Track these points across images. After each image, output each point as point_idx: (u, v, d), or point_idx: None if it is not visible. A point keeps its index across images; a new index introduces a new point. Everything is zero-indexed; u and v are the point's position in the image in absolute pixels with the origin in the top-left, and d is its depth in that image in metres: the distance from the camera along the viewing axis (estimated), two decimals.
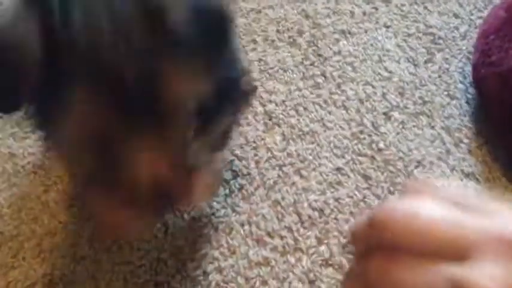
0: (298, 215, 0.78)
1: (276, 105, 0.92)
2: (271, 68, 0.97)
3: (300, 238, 0.76)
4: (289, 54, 0.98)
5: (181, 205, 0.49)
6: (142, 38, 0.40)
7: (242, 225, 0.78)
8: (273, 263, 0.74)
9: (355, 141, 0.86)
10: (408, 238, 0.29)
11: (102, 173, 0.45)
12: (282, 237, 0.76)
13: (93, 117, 0.42)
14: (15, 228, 0.78)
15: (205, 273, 0.74)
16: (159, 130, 0.42)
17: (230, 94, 0.51)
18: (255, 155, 0.86)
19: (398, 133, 0.87)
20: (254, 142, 0.87)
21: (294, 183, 0.82)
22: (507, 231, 0.27)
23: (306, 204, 0.79)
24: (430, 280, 0.27)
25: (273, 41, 1.01)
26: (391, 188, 0.80)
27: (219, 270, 0.74)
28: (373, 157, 0.84)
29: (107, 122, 0.41)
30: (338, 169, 0.83)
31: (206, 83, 0.44)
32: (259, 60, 0.98)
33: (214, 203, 0.80)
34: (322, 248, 0.75)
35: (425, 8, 1.06)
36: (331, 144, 0.86)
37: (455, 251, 0.27)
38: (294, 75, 0.95)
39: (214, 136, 0.50)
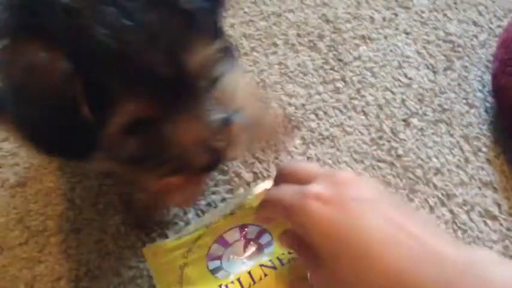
0: None
1: (296, 108, 0.93)
2: (292, 72, 0.98)
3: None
4: (309, 58, 1.00)
5: (227, 158, 0.55)
6: (162, 25, 0.45)
7: None
8: None
9: (375, 147, 0.87)
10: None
11: (152, 154, 0.50)
12: None
13: (137, 108, 0.46)
14: (41, 224, 0.79)
15: None
16: (192, 100, 0.49)
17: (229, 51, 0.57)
18: (276, 157, 0.87)
19: (417, 140, 0.88)
20: (275, 145, 0.89)
21: None
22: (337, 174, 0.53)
23: None
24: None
25: (293, 44, 1.02)
26: (411, 195, 0.82)
27: None
28: (392, 163, 0.85)
29: (149, 109, 0.47)
30: (357, 174, 0.84)
31: (219, 47, 0.50)
32: (280, 63, 0.99)
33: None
34: None
35: (445, 15, 1.07)
36: (351, 149, 0.87)
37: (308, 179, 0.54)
38: (314, 79, 0.97)
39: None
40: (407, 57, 1.00)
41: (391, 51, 1.01)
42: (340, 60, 0.99)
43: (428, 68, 0.98)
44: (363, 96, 0.94)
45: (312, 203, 0.49)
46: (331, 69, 0.98)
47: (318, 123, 0.91)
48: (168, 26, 0.45)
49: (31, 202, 0.82)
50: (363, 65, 0.98)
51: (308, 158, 0.87)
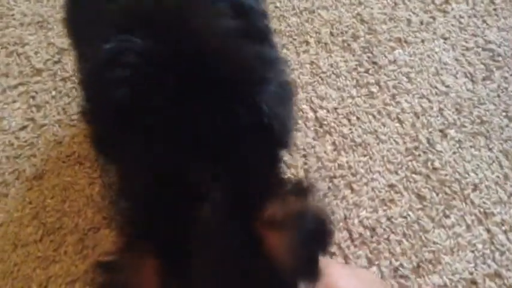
0: (349, 231, 0.76)
1: (328, 112, 0.88)
2: (324, 73, 0.93)
3: (350, 256, 0.74)
4: (342, 59, 0.95)
5: None
6: None
7: None
8: None
9: (410, 158, 0.83)
10: None
11: None
12: (331, 254, 0.74)
13: None
14: (57, 221, 0.75)
15: None
16: None
17: None
18: (305, 163, 0.83)
19: (454, 152, 0.84)
20: (304, 149, 0.84)
21: (344, 197, 0.79)
22: None
23: (356, 221, 0.77)
24: None
25: (326, 43, 0.97)
26: (447, 211, 0.77)
27: None
28: (428, 176, 0.81)
29: None
30: (391, 186, 0.80)
31: None
32: (311, 63, 0.94)
33: None
34: (373, 269, 0.72)
35: (484, 21, 1.02)
36: (385, 159, 0.83)
37: None
38: (347, 82, 0.92)
39: None
40: (445, 63, 0.95)
41: (428, 56, 0.96)
42: (374, 63, 0.94)
43: (466, 76, 0.94)
44: (398, 102, 0.89)
45: None
46: (365, 72, 0.93)
47: (351, 129, 0.86)
48: None
49: (48, 197, 0.77)
50: (399, 70, 0.94)
51: (339, 165, 0.82)
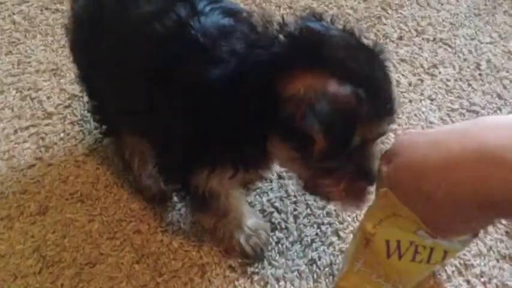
0: (335, 277, 0.79)
1: None
2: None
3: None
4: None
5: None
6: None
7: (277, 280, 0.78)
8: None
9: None
10: None
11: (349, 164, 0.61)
12: None
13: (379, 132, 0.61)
14: (57, 255, 0.79)
15: None
16: None
17: None
18: (294, 209, 0.87)
19: None
20: (295, 196, 0.89)
21: (331, 244, 0.83)
22: None
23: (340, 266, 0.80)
24: None
25: None
26: None
27: None
28: None
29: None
30: None
31: None
32: None
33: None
34: None
35: (470, 85, 1.09)
36: None
37: None
38: None
39: None
40: (431, 122, 1.01)
41: (415, 115, 1.03)
42: None
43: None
44: None
45: None
46: None
47: None
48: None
49: (49, 232, 0.82)
50: None
51: (327, 213, 0.86)
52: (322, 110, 0.54)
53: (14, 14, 1.20)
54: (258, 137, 0.61)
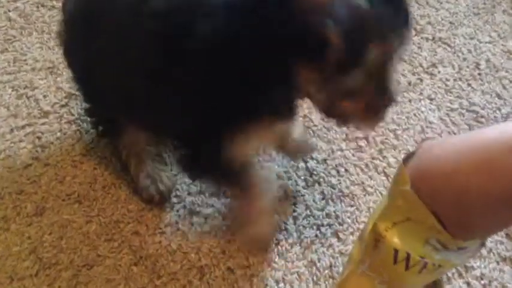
0: (334, 280, 0.78)
1: (318, 162, 0.93)
2: (315, 126, 0.99)
3: None
4: None
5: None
6: None
7: (277, 282, 0.78)
8: None
9: None
10: None
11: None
12: None
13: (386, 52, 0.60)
14: (54, 256, 0.78)
15: None
16: None
17: None
18: (294, 210, 0.87)
19: None
20: (294, 197, 0.88)
21: (331, 245, 0.82)
22: None
23: (342, 269, 0.79)
24: None
25: None
26: None
27: None
28: None
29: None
30: None
31: None
32: (304, 116, 1.00)
33: (250, 256, 0.80)
34: None
35: (469, 85, 1.09)
36: (371, 210, 0.87)
37: None
38: (337, 136, 0.97)
39: None
40: (431, 122, 1.01)
41: (414, 115, 1.02)
42: None
43: (450, 135, 0.99)
44: (384, 157, 0.94)
45: None
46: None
47: (339, 180, 0.91)
48: None
49: (46, 233, 0.81)
50: (386, 126, 0.99)
51: (327, 214, 0.86)
52: (338, 13, 0.55)
53: (9, 11, 1.18)
54: (284, 70, 0.61)
